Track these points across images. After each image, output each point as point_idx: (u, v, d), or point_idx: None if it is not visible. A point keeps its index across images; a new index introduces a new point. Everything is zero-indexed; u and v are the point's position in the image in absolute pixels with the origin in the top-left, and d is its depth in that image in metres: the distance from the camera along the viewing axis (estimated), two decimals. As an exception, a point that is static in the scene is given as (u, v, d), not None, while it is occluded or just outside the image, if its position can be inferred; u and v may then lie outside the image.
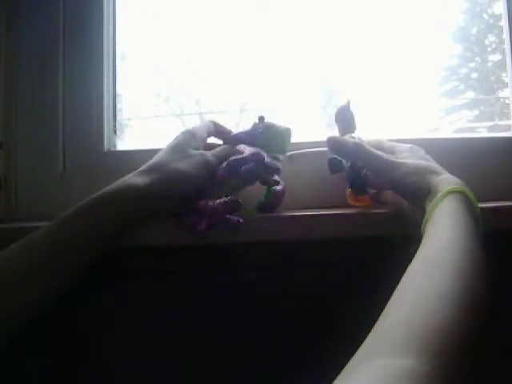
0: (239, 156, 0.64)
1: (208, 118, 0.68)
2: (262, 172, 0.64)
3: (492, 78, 1.17)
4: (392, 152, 0.65)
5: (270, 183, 0.65)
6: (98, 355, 0.69)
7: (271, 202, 0.65)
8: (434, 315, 0.37)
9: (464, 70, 1.19)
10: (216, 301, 0.69)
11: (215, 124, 0.70)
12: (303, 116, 1.05)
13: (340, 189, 0.70)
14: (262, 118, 0.69)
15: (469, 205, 0.51)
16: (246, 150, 0.65)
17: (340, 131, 0.70)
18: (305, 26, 0.99)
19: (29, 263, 0.51)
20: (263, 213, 0.65)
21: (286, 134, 0.70)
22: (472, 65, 1.20)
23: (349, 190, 0.68)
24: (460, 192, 0.52)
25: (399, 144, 0.66)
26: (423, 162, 0.60)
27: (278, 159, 0.68)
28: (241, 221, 0.60)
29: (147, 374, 0.69)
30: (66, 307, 0.56)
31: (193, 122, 0.67)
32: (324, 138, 0.65)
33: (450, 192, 0.52)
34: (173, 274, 0.69)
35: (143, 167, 0.61)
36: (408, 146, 0.64)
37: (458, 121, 1.15)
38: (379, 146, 0.67)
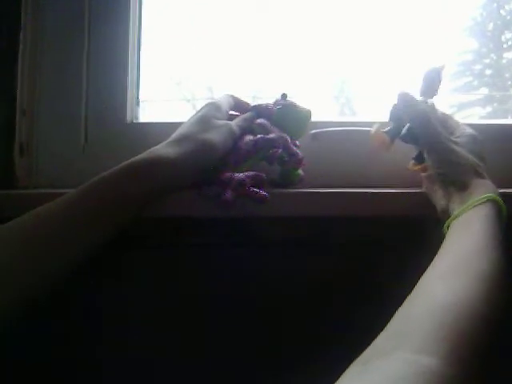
0: (268, 136, 0.64)
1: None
2: (286, 158, 0.65)
3: (506, 75, 1.17)
4: (453, 132, 0.63)
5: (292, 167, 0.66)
6: (107, 328, 0.69)
7: (292, 183, 0.67)
8: (461, 320, 0.37)
9: (478, 66, 1.19)
10: (231, 276, 0.69)
11: (233, 97, 0.70)
12: (316, 105, 1.05)
13: (362, 168, 0.70)
14: (284, 96, 0.69)
15: (500, 216, 0.52)
16: (270, 129, 0.66)
17: (421, 91, 0.67)
18: (321, 15, 0.98)
19: (52, 230, 0.50)
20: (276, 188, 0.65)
21: (304, 116, 0.69)
22: (487, 61, 1.20)
23: (412, 162, 0.67)
24: (496, 202, 0.52)
25: (464, 125, 0.65)
26: (473, 159, 0.59)
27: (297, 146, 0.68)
28: (267, 195, 0.60)
29: (156, 351, 0.69)
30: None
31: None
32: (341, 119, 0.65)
33: (487, 200, 0.52)
34: (190, 247, 0.69)
35: (172, 138, 0.60)
36: (470, 132, 0.63)
37: (470, 117, 1.15)
38: (445, 119, 0.66)
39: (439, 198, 0.59)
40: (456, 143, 0.60)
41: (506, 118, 1.08)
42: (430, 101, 0.66)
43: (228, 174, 0.60)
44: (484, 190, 0.54)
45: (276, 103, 0.69)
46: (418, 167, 0.67)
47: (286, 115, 0.67)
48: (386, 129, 0.67)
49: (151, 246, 0.69)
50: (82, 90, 0.76)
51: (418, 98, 0.66)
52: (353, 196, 0.64)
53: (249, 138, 0.65)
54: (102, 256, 0.54)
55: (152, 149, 0.58)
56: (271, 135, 0.64)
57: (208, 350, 0.69)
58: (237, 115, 0.69)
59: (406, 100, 0.64)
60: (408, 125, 0.64)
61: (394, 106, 0.66)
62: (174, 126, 0.63)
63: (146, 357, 0.69)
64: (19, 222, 0.50)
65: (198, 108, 0.65)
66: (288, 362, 0.68)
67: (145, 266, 0.70)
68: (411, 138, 0.64)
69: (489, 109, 1.16)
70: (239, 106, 0.70)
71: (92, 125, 0.76)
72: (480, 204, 0.52)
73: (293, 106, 0.68)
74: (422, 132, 0.62)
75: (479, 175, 0.57)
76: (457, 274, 0.44)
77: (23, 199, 0.65)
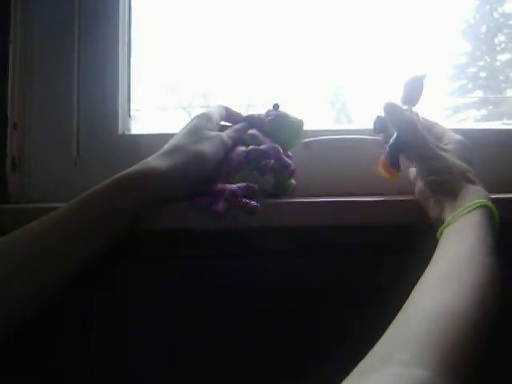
0: (260, 148, 0.64)
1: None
2: (279, 169, 0.65)
3: (501, 78, 1.17)
4: (440, 138, 0.64)
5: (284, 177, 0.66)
6: (102, 340, 0.68)
7: (284, 193, 0.67)
8: (452, 330, 0.37)
9: (473, 69, 1.19)
10: (227, 287, 0.68)
11: (225, 108, 0.69)
12: (311, 111, 1.05)
13: (355, 177, 0.70)
14: (276, 106, 0.68)
15: (492, 222, 0.52)
16: (262, 139, 0.65)
17: (402, 98, 0.67)
18: (314, 22, 0.99)
19: (47, 244, 0.50)
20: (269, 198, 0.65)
21: (296, 126, 0.69)
22: (481, 63, 1.20)
23: (382, 158, 0.66)
24: (487, 208, 0.52)
25: (451, 132, 0.65)
26: (462, 165, 0.59)
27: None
28: (259, 206, 0.60)
29: (152, 362, 0.68)
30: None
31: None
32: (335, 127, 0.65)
33: (479, 206, 0.52)
34: (184, 259, 0.68)
35: (163, 150, 0.59)
36: (458, 138, 0.63)
37: (466, 120, 1.15)
38: (431, 126, 0.67)
39: (431, 206, 0.59)
40: (445, 150, 0.60)
41: (501, 120, 1.07)
42: (414, 109, 0.66)
43: (220, 185, 0.60)
44: (475, 196, 0.53)
45: (268, 114, 0.68)
46: (386, 172, 0.66)
47: (277, 126, 0.67)
48: (383, 156, 0.66)
49: (145, 257, 0.69)
50: (72, 102, 0.75)
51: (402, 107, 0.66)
52: (345, 205, 0.64)
53: (241, 149, 0.64)
54: (96, 268, 0.53)
55: (143, 161, 0.57)
56: (263, 146, 0.64)
57: (204, 360, 0.68)
58: (229, 126, 0.69)
59: (392, 109, 0.63)
60: (396, 134, 0.64)
61: (378, 118, 0.66)
62: (166, 137, 0.62)
63: (142, 368, 0.68)
64: (13, 236, 0.49)
65: (194, 115, 0.65)
66: (284, 370, 0.67)
67: (139, 277, 0.69)
68: (400, 147, 0.63)
69: (484, 111, 1.16)
70: (231, 116, 0.70)
71: (84, 137, 0.75)
72: (472, 210, 0.52)
73: (285, 116, 0.68)
74: (410, 141, 0.61)
75: (470, 181, 0.57)
76: (449, 282, 0.44)
77: (16, 214, 0.65)
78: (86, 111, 0.76)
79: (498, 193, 0.59)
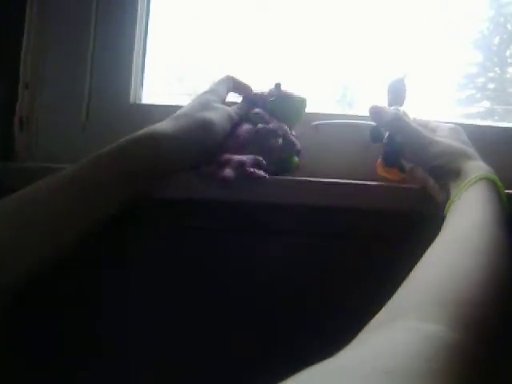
0: (270, 126, 0.64)
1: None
2: (286, 147, 0.65)
3: (509, 90, 1.18)
4: (434, 130, 0.65)
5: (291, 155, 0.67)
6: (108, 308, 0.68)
7: (288, 171, 0.67)
8: (463, 289, 0.37)
9: (482, 79, 1.20)
10: (226, 260, 0.68)
11: (234, 79, 0.70)
12: (318, 110, 1.05)
13: (365, 161, 0.71)
14: (278, 85, 0.69)
15: (497, 193, 0.52)
16: (269, 119, 0.66)
17: (388, 102, 0.69)
18: (324, 21, 0.99)
19: (54, 206, 0.49)
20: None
21: (299, 105, 0.69)
22: (490, 75, 1.21)
23: (380, 160, 0.68)
24: (490, 180, 0.53)
25: (443, 124, 0.66)
26: (459, 145, 0.60)
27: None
28: (267, 176, 0.60)
29: (158, 333, 0.68)
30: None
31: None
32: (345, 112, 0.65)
33: (481, 178, 0.52)
34: (185, 229, 0.68)
35: (170, 116, 0.60)
36: (450, 125, 0.65)
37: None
38: (423, 123, 0.68)
39: (438, 192, 0.60)
40: (438, 137, 0.61)
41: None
42: (401, 109, 0.67)
43: (227, 155, 0.60)
44: (476, 170, 0.54)
45: (270, 93, 0.69)
46: (387, 173, 0.68)
47: (281, 105, 0.68)
48: (380, 157, 0.68)
49: (150, 226, 0.69)
50: (86, 66, 0.75)
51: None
52: (353, 187, 0.64)
53: (248, 126, 0.65)
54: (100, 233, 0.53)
55: (150, 126, 0.57)
56: (271, 125, 0.65)
57: (204, 333, 0.68)
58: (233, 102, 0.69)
59: (376, 110, 0.66)
60: (387, 132, 0.66)
61: (372, 128, 0.68)
62: (176, 108, 0.63)
63: (147, 335, 0.68)
64: (21, 195, 0.49)
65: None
66: (282, 341, 0.68)
67: (141, 245, 0.70)
68: (394, 143, 0.65)
69: (489, 122, 1.16)
70: (239, 87, 0.70)
71: (94, 103, 0.75)
72: (474, 183, 0.52)
73: (287, 96, 0.69)
74: (401, 133, 0.63)
75: (470, 158, 0.57)
76: (455, 248, 0.44)
77: (21, 172, 0.65)
78: (99, 77, 0.76)
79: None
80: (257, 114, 0.66)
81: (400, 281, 0.42)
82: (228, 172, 0.58)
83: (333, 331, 0.62)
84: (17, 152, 0.72)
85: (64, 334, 0.68)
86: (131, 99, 0.76)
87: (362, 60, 1.02)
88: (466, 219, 0.48)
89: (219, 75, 0.69)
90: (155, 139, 0.55)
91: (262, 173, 0.60)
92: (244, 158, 0.60)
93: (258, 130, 0.64)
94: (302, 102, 0.69)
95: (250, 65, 0.99)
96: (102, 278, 0.68)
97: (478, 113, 1.19)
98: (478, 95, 1.22)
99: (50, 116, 0.74)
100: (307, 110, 0.71)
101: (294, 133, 0.69)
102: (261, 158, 0.62)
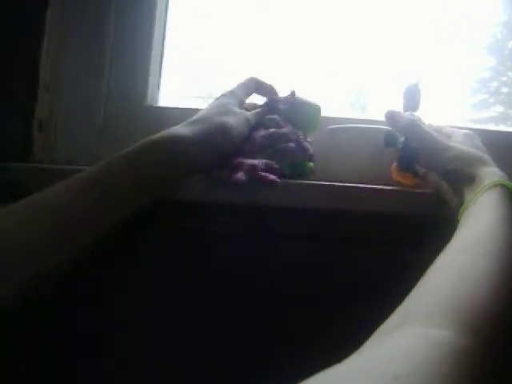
0: (281, 131, 0.65)
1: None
2: (298, 152, 0.65)
3: (522, 94, 1.18)
4: (449, 136, 0.65)
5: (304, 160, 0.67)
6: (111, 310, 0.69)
7: (303, 176, 0.67)
8: (474, 294, 0.38)
9: (495, 84, 1.19)
10: (234, 263, 0.69)
11: (257, 81, 0.70)
12: (332, 113, 1.05)
13: (380, 166, 0.71)
14: (293, 93, 0.69)
15: (510, 199, 0.52)
16: (283, 124, 0.67)
17: (404, 107, 0.70)
18: (340, 26, 0.99)
19: (79, 204, 0.50)
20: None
21: (314, 113, 0.70)
22: (504, 79, 1.20)
23: (395, 165, 0.68)
24: (504, 186, 0.53)
25: (457, 129, 0.67)
26: (473, 150, 0.60)
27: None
28: (278, 180, 0.61)
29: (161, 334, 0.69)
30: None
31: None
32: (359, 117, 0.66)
33: (495, 185, 0.53)
34: (193, 232, 0.69)
35: (188, 120, 0.60)
36: (464, 131, 0.65)
37: (484, 134, 1.15)
38: (438, 129, 0.68)
39: (452, 197, 0.60)
40: (453, 142, 0.62)
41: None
42: (415, 114, 0.68)
43: (239, 159, 0.61)
44: (491, 176, 0.54)
45: (286, 101, 0.69)
46: (401, 178, 0.68)
47: (296, 112, 0.68)
48: (394, 164, 0.69)
49: (162, 229, 0.69)
50: (104, 70, 0.76)
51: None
52: (364, 191, 0.65)
53: (264, 131, 0.66)
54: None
55: (169, 129, 0.58)
56: (284, 129, 0.65)
57: (209, 335, 0.69)
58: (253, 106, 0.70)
59: (391, 115, 0.66)
60: (403, 137, 0.66)
61: (387, 133, 0.68)
62: (193, 111, 0.63)
63: (152, 338, 0.69)
64: (39, 198, 0.49)
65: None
66: (289, 344, 0.68)
67: (151, 247, 0.70)
68: (410, 151, 0.65)
69: (502, 127, 1.16)
70: (263, 89, 0.71)
71: (111, 105, 0.76)
72: (488, 189, 0.52)
73: (303, 102, 0.69)
74: (416, 138, 0.63)
75: (485, 164, 0.58)
76: (468, 250, 0.44)
77: (39, 173, 0.66)
78: (116, 80, 0.77)
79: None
80: (272, 119, 0.67)
81: (413, 285, 0.42)
82: (240, 175, 0.59)
83: (346, 335, 0.63)
84: (35, 154, 0.73)
85: (70, 334, 0.68)
86: (148, 102, 0.77)
87: (376, 64, 1.02)
88: (479, 224, 0.48)
89: (235, 78, 0.69)
90: (174, 143, 0.56)
91: (273, 177, 0.61)
92: (256, 161, 0.61)
93: (270, 134, 0.65)
94: (317, 110, 0.70)
95: (266, 68, 1.00)
96: (111, 278, 0.69)
97: (492, 117, 1.19)
98: (492, 100, 1.22)
99: (69, 119, 0.75)
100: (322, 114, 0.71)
101: (308, 139, 0.69)
102: (273, 162, 0.62)
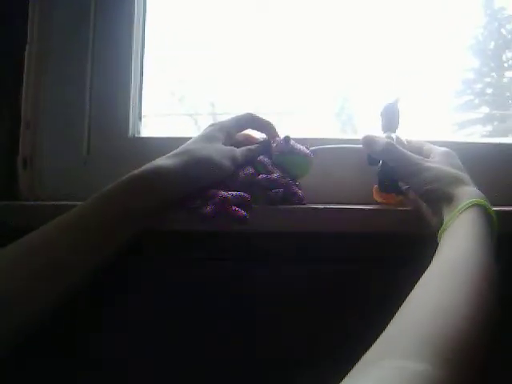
0: (271, 177, 0.65)
1: (221, 118, 0.68)
2: (288, 198, 0.65)
3: (507, 94, 1.18)
4: (427, 155, 0.65)
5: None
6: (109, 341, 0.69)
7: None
8: (448, 325, 0.38)
9: (479, 85, 1.20)
10: (226, 290, 0.69)
11: (253, 116, 0.69)
12: (317, 122, 1.05)
13: (361, 185, 0.71)
14: (287, 138, 0.67)
15: (488, 219, 0.52)
16: (272, 169, 0.66)
17: (382, 127, 0.70)
18: (322, 33, 0.99)
19: (69, 243, 0.51)
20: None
21: (306, 163, 0.69)
22: (488, 80, 1.21)
23: (375, 186, 0.69)
24: (481, 206, 0.53)
25: (436, 147, 0.66)
26: (450, 170, 0.60)
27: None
28: (247, 216, 0.60)
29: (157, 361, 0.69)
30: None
31: (206, 123, 0.67)
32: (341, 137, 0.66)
33: (472, 205, 0.53)
34: (181, 261, 0.69)
35: (172, 152, 0.61)
36: (443, 149, 0.65)
37: (471, 135, 1.16)
38: (418, 147, 0.68)
39: (431, 217, 0.60)
40: (431, 162, 0.62)
41: (506, 136, 1.08)
42: (393, 135, 0.68)
43: (213, 191, 0.61)
44: (469, 196, 0.54)
45: (278, 146, 0.68)
46: (382, 198, 0.69)
47: (286, 161, 0.67)
48: (376, 185, 0.69)
49: (147, 258, 0.69)
50: (85, 103, 0.77)
51: (382, 135, 0.69)
52: (349, 212, 0.65)
53: (250, 170, 0.65)
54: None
55: (152, 162, 0.58)
56: (274, 175, 0.65)
57: (202, 361, 0.69)
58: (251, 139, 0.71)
59: (367, 140, 0.66)
60: (380, 161, 0.66)
61: (369, 153, 0.68)
62: (176, 140, 0.64)
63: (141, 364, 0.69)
64: (28, 241, 0.50)
65: (200, 123, 0.66)
66: (280, 370, 0.68)
67: (139, 277, 0.70)
68: (388, 172, 0.65)
69: (489, 127, 1.16)
70: (258, 124, 0.70)
71: (94, 138, 0.77)
72: (465, 209, 0.52)
73: (294, 151, 0.67)
74: (393, 161, 0.63)
75: (463, 183, 0.58)
76: (444, 279, 0.44)
77: (25, 211, 0.66)
78: (97, 112, 0.77)
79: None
80: (261, 162, 0.66)
81: (400, 304, 0.43)
82: (209, 209, 0.59)
83: (336, 358, 0.63)
84: (20, 191, 0.73)
85: (64, 362, 0.68)
86: (130, 133, 0.78)
87: (362, 69, 1.02)
88: (456, 249, 0.49)
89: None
90: (160, 174, 0.56)
91: (243, 213, 0.60)
92: (229, 194, 0.60)
93: (259, 181, 0.64)
94: (308, 160, 0.69)
95: (250, 79, 1.00)
96: (103, 306, 0.69)
97: (478, 119, 1.19)
98: (476, 101, 1.22)
99: (52, 153, 0.76)
100: (303, 135, 0.72)
101: (297, 182, 0.68)
102: (247, 195, 0.62)
